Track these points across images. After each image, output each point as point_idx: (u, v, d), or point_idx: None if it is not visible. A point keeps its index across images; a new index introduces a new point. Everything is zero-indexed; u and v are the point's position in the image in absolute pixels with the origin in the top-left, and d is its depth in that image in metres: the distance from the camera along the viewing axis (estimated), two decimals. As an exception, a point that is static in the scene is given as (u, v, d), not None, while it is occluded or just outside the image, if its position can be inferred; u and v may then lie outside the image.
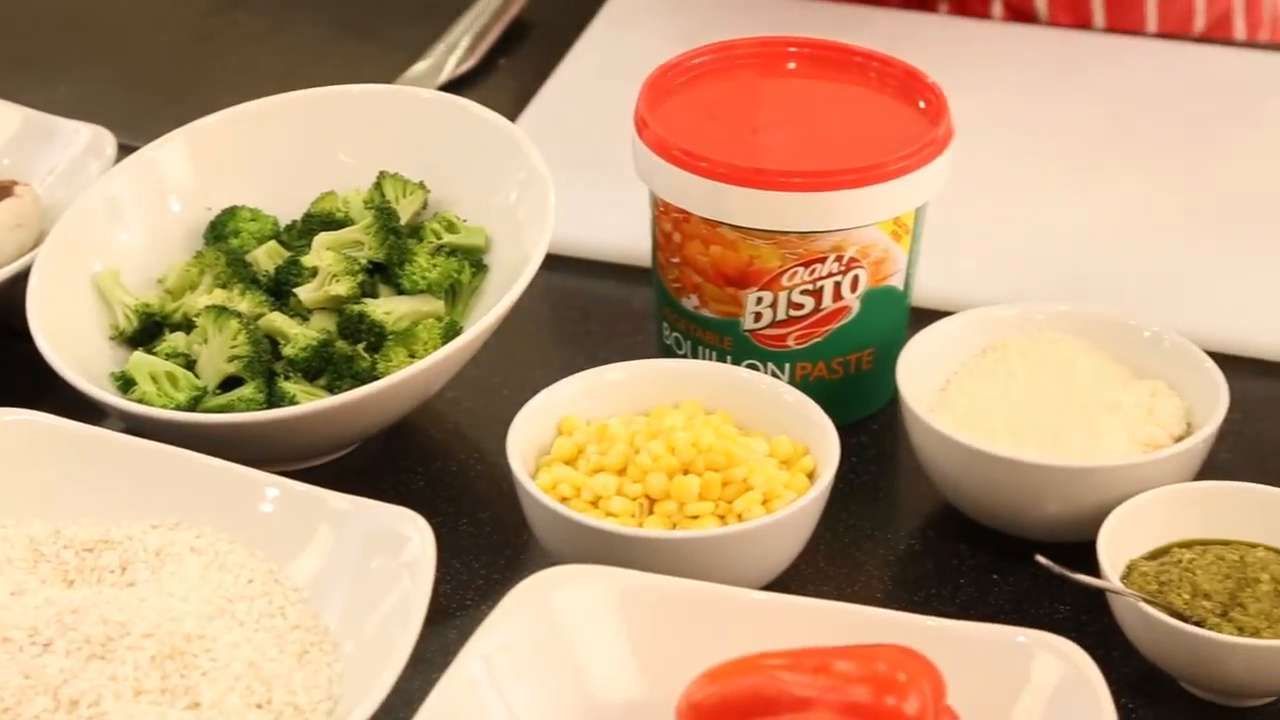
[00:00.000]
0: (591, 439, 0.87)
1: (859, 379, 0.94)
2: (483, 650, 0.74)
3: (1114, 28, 1.19)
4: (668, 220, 0.93)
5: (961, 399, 0.90)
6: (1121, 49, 1.17)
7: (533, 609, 0.76)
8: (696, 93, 0.95)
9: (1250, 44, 1.21)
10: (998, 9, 1.19)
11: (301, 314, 0.93)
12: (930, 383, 0.91)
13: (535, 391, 0.89)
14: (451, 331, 0.92)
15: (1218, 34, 1.20)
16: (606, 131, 1.05)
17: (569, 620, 0.76)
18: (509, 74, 1.19)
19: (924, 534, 0.90)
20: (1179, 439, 0.88)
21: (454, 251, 0.95)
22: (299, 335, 0.91)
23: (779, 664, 0.73)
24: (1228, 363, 0.90)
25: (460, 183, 0.97)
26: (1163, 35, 1.19)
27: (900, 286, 0.94)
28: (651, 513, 0.85)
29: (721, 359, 0.93)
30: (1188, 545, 0.84)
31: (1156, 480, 0.85)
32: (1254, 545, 0.83)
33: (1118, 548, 0.83)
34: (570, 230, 1.03)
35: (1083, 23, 1.19)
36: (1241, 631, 0.80)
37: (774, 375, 0.93)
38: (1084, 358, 0.91)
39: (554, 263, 1.01)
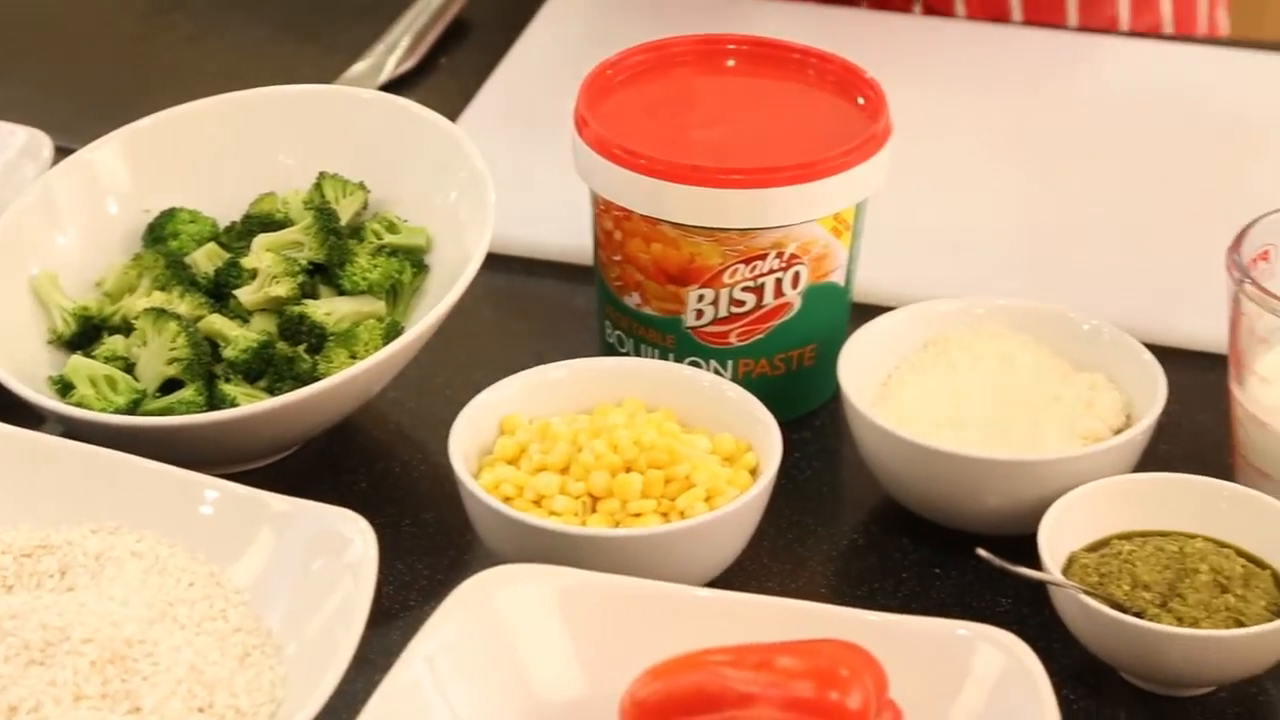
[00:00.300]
0: (534, 438, 0.87)
1: (801, 375, 0.94)
2: (425, 651, 0.74)
3: (1030, 21, 1.19)
4: (609, 218, 0.93)
5: (903, 394, 0.91)
6: (1055, 44, 1.17)
7: (475, 609, 0.76)
8: (636, 91, 0.95)
9: (1181, 38, 1.22)
10: (917, 7, 1.20)
11: (241, 316, 0.93)
12: (872, 378, 0.92)
13: (478, 391, 0.89)
14: (393, 332, 0.91)
15: (1143, 29, 1.20)
16: (547, 130, 1.05)
17: (512, 620, 0.76)
18: (449, 74, 1.19)
19: (867, 529, 0.91)
20: (1118, 431, 0.88)
21: (395, 252, 0.95)
22: (239, 337, 0.91)
23: (722, 660, 0.73)
24: (1166, 355, 0.91)
25: (401, 183, 0.96)
26: (1084, 29, 1.19)
27: (841, 282, 0.94)
28: (594, 511, 0.85)
29: (664, 357, 0.93)
30: (1127, 537, 0.84)
31: (1096, 473, 0.85)
32: (1192, 536, 0.84)
33: (1058, 540, 0.83)
34: (512, 229, 1.03)
35: (1000, 19, 1.19)
36: (1181, 622, 0.80)
37: (716, 372, 0.93)
38: (1024, 352, 0.92)
39: (496, 262, 1.01)
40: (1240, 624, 0.80)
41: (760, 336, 0.93)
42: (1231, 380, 0.88)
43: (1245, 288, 0.85)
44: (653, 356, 0.94)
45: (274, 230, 0.95)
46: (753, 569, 0.88)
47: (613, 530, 0.83)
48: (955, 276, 1.01)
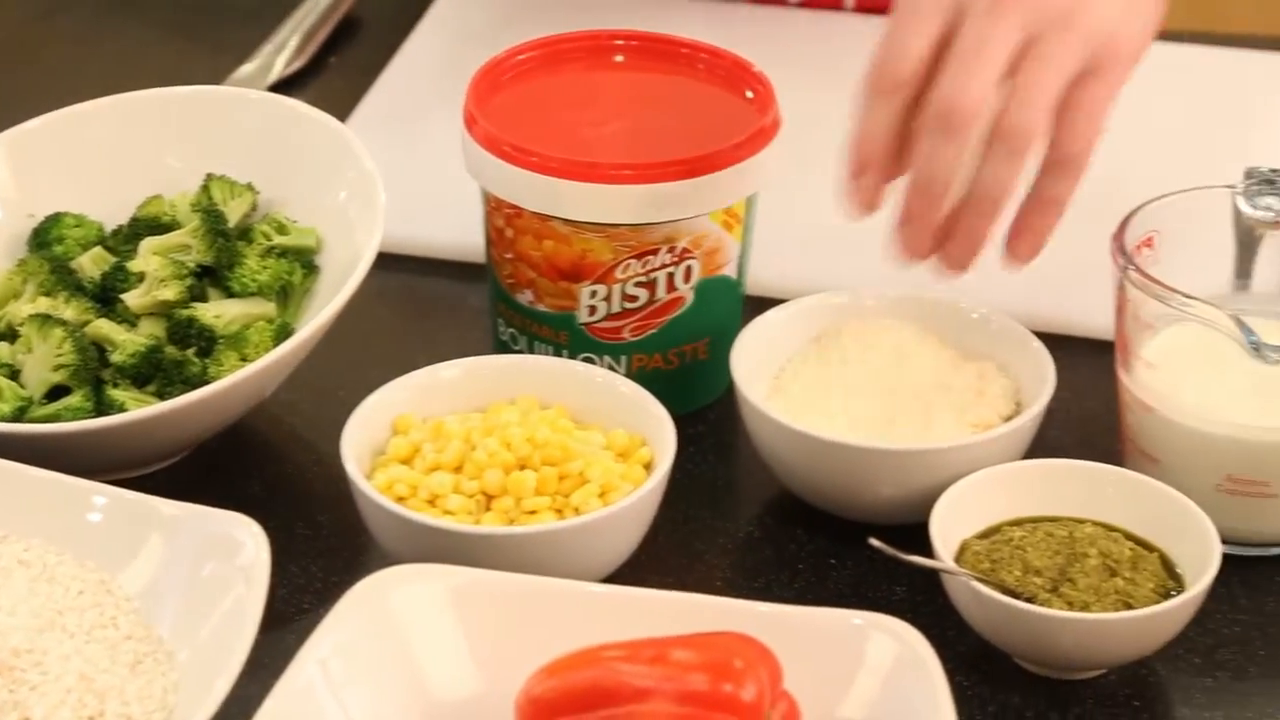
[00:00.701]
0: (427, 437, 0.87)
1: (695, 369, 0.95)
2: (318, 654, 0.74)
3: None
4: (500, 216, 0.93)
5: (796, 386, 0.91)
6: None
7: (369, 610, 0.76)
8: (525, 88, 0.95)
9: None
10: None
11: (129, 320, 0.92)
12: (765, 371, 0.92)
13: (371, 391, 0.88)
14: (283, 333, 0.91)
15: None
16: (438, 128, 1.04)
17: (405, 620, 0.76)
18: (339, 73, 1.18)
19: (762, 521, 0.91)
20: (1008, 419, 0.89)
21: (284, 253, 0.94)
22: (127, 342, 0.90)
23: (617, 655, 0.74)
24: (1055, 342, 0.92)
25: (289, 184, 0.96)
26: None
27: (733, 276, 0.94)
28: (489, 509, 0.85)
29: (558, 353, 0.93)
30: (1018, 523, 0.85)
31: (986, 460, 0.86)
32: (1082, 521, 0.85)
33: (950, 528, 0.84)
34: (404, 228, 1.03)
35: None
36: (1071, 606, 0.81)
37: (610, 368, 0.93)
38: (914, 342, 0.92)
39: (388, 262, 1.01)
40: (1129, 607, 0.81)
41: (653, 331, 0.93)
42: (1119, 366, 0.89)
43: (1129, 275, 0.86)
44: (546, 353, 0.94)
45: (161, 233, 0.94)
46: (649, 564, 0.88)
47: (507, 528, 0.83)
48: (847, 268, 1.01)
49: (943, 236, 0.80)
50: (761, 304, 0.95)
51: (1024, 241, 0.81)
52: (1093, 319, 0.96)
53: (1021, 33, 0.79)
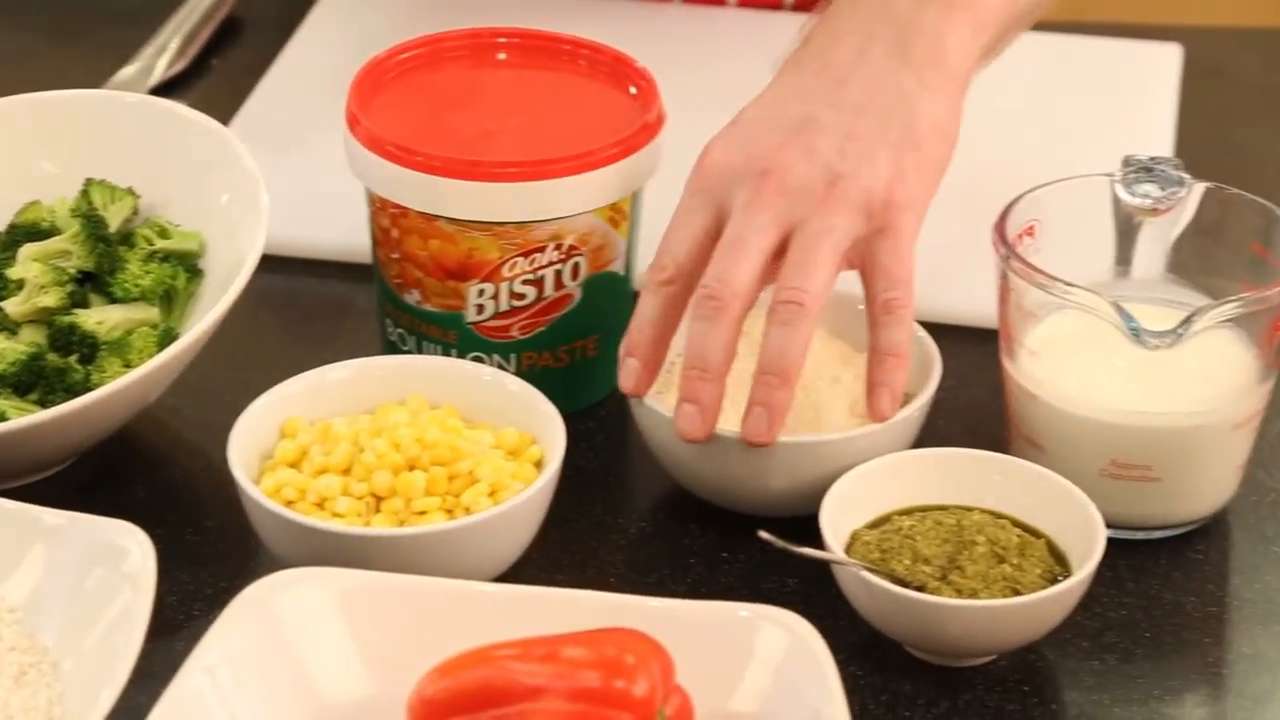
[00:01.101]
0: (315, 440, 0.87)
1: (585, 366, 0.95)
2: (206, 662, 0.73)
3: (800, 8, 1.20)
4: (385, 216, 0.93)
5: (685, 381, 0.91)
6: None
7: (256, 616, 0.75)
8: (407, 87, 0.95)
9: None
10: None
11: (9, 328, 0.91)
12: (655, 366, 0.92)
13: (259, 395, 0.88)
14: (167, 339, 0.90)
15: None
16: (322, 129, 1.04)
17: (294, 625, 0.75)
18: (222, 75, 1.17)
19: (655, 516, 0.91)
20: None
21: (167, 257, 0.93)
22: (7, 350, 0.89)
23: (509, 654, 0.73)
24: (941, 332, 0.93)
25: (171, 187, 0.95)
26: None
27: (621, 272, 0.94)
28: (379, 511, 0.85)
29: (447, 353, 0.93)
30: (908, 513, 0.86)
31: (876, 451, 0.87)
32: (970, 509, 0.85)
33: (840, 519, 0.84)
34: (289, 230, 1.02)
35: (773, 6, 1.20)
36: (960, 594, 0.82)
37: (500, 366, 0.93)
38: (802, 334, 0.93)
39: (275, 264, 1.00)
40: (1017, 593, 0.82)
41: (542, 329, 0.93)
42: (1003, 354, 0.90)
43: (1011, 264, 0.87)
44: (435, 353, 0.93)
45: (40, 239, 0.93)
46: (542, 561, 0.88)
47: (397, 529, 0.83)
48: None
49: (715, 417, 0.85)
50: (650, 299, 0.95)
51: (881, 398, 0.86)
52: (977, 308, 0.97)
53: (782, 221, 0.85)
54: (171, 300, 0.93)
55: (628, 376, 0.87)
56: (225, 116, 1.10)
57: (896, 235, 0.86)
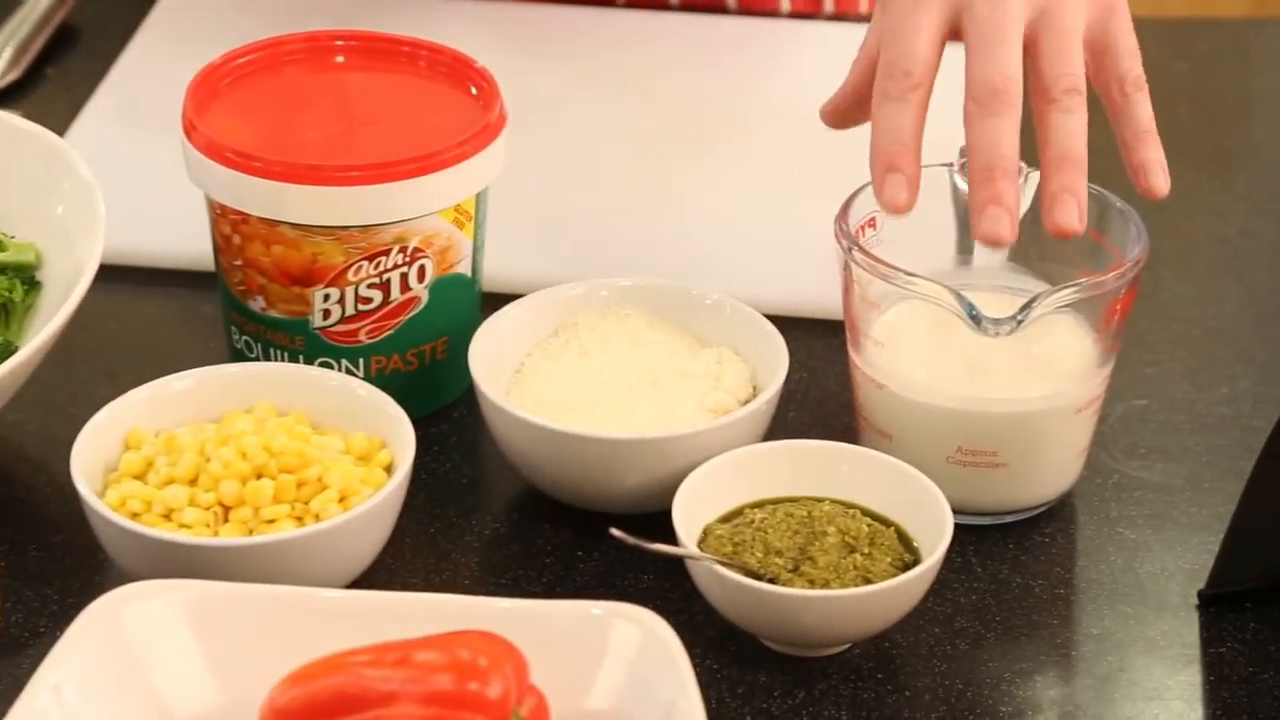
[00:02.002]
0: (160, 451, 0.85)
1: (435, 368, 0.94)
2: (51, 681, 0.72)
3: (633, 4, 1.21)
4: (226, 223, 0.92)
5: (536, 380, 0.91)
6: (690, 27, 1.19)
7: (102, 632, 0.74)
8: (245, 92, 0.94)
9: (803, 15, 1.24)
10: None
11: None
12: (505, 366, 0.92)
13: (103, 407, 0.86)
14: (5, 352, 0.89)
15: (848, 10, 1.22)
16: (162, 136, 1.02)
17: (141, 639, 0.74)
18: (58, 83, 1.15)
19: (509, 517, 0.91)
20: (746, 403, 0.90)
21: (3, 270, 0.92)
22: None
23: (361, 661, 0.73)
24: (788, 324, 0.93)
25: (4, 199, 0.93)
26: (741, 11, 1.21)
27: (468, 273, 0.94)
28: (227, 521, 0.84)
29: (294, 359, 0.92)
30: (759, 505, 0.86)
31: (727, 444, 0.87)
32: (820, 500, 0.86)
33: (693, 513, 0.85)
34: (130, 239, 1.01)
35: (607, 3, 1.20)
36: (812, 585, 0.82)
37: (349, 372, 0.92)
38: (651, 330, 0.93)
39: (116, 274, 0.99)
40: (869, 582, 0.82)
41: (390, 333, 0.92)
42: (849, 345, 0.91)
43: (854, 255, 0.88)
44: (283, 360, 0.92)
45: None
46: (396, 566, 0.87)
47: (245, 539, 0.82)
48: (583, 261, 1.02)
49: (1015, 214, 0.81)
50: (499, 300, 0.95)
51: (1154, 175, 0.84)
52: (825, 300, 0.98)
53: (1026, 10, 0.83)
54: (9, 313, 0.91)
55: (897, 190, 0.82)
56: (62, 126, 1.09)
57: (1124, 12, 0.85)
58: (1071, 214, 0.81)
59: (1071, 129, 0.82)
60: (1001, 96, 0.81)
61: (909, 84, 0.83)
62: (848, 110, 0.88)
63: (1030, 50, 0.84)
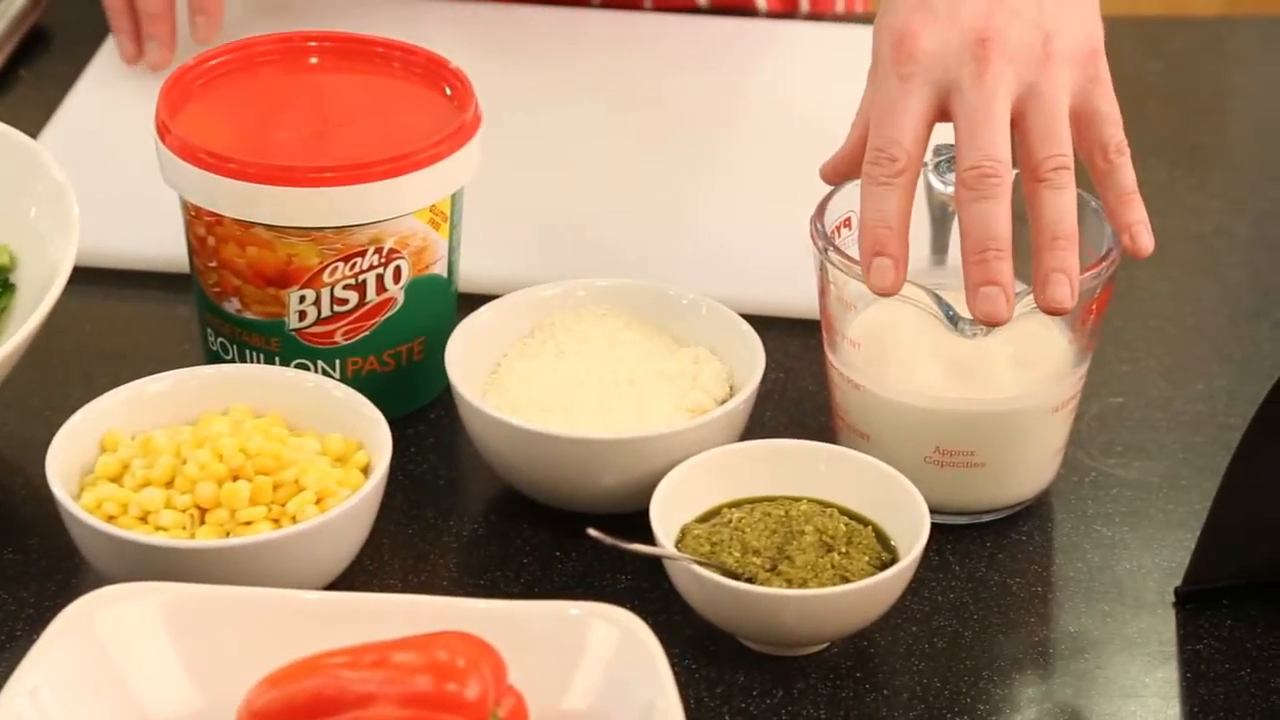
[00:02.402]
0: (136, 453, 0.85)
1: (412, 369, 0.94)
2: (27, 685, 0.72)
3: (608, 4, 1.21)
4: (200, 225, 0.91)
5: (512, 381, 0.91)
6: (666, 28, 1.19)
7: (78, 635, 0.74)
8: (219, 94, 0.94)
9: (781, 15, 1.24)
10: None
11: None
12: (481, 367, 0.92)
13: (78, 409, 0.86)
14: (-20, 355, 0.88)
15: (824, 9, 1.22)
16: (136, 138, 1.02)
17: (117, 642, 0.74)
18: (31, 85, 1.15)
19: (487, 518, 0.91)
20: (723, 402, 0.90)
21: (-24, 273, 0.92)
22: None
23: (339, 662, 0.73)
24: (765, 324, 0.93)
25: (-24, 201, 0.93)
26: (717, 10, 1.21)
27: (444, 274, 0.94)
28: (204, 523, 0.84)
29: (270, 361, 0.92)
30: (737, 505, 0.86)
31: (704, 444, 0.87)
32: (798, 499, 0.86)
33: (670, 513, 0.85)
34: (105, 241, 1.01)
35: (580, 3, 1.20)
36: (790, 584, 0.82)
37: (325, 373, 0.92)
38: (628, 330, 0.93)
39: (91, 276, 0.99)
40: (846, 581, 0.82)
41: (366, 334, 0.92)
42: (826, 346, 0.91)
43: (830, 256, 0.88)
44: (259, 361, 0.92)
45: None
46: (374, 568, 0.87)
47: (222, 541, 0.82)
48: (559, 261, 1.02)
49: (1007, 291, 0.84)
50: (476, 301, 0.95)
51: (1140, 237, 0.86)
52: (801, 300, 0.98)
53: (1013, 86, 0.85)
54: (-17, 316, 0.91)
55: (884, 274, 0.83)
56: (35, 128, 1.08)
57: (1105, 81, 0.86)
58: (1064, 293, 0.83)
59: (1062, 208, 0.84)
60: (990, 180, 0.83)
61: (894, 169, 0.84)
62: (847, 171, 0.90)
63: (1018, 125, 0.85)
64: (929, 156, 0.89)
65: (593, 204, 1.07)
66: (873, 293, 0.84)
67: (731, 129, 1.12)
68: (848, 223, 0.90)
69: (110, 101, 1.11)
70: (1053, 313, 0.84)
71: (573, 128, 1.11)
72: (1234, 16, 1.79)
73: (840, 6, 1.23)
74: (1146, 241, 0.86)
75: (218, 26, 1.09)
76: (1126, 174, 0.86)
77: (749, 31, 1.19)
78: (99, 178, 1.03)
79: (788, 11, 1.22)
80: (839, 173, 0.91)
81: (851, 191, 0.90)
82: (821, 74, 1.14)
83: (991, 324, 0.83)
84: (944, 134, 0.87)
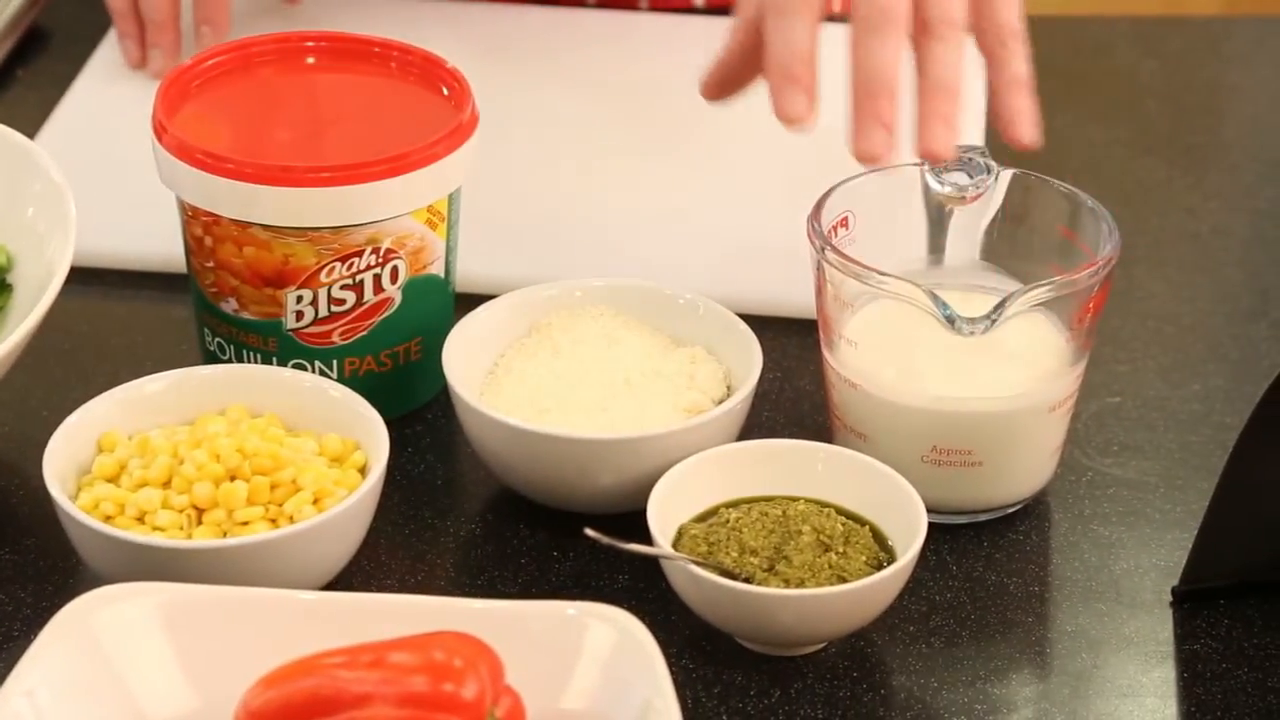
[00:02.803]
0: (133, 453, 0.85)
1: (409, 369, 0.94)
2: (25, 686, 0.72)
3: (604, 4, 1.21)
4: (198, 225, 0.91)
5: (509, 381, 0.91)
6: (662, 27, 1.19)
7: (75, 635, 0.74)
8: (216, 94, 0.94)
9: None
10: None
11: None
12: (478, 367, 0.92)
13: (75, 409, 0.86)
14: (-23, 355, 0.88)
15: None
16: (133, 138, 1.02)
17: (114, 642, 0.74)
18: (29, 86, 1.15)
19: (484, 518, 0.91)
20: (720, 402, 0.90)
21: (-26, 272, 0.92)
22: None
23: (336, 662, 0.73)
24: (762, 323, 0.93)
25: (-26, 202, 0.93)
26: (713, 10, 1.21)
27: (441, 274, 0.94)
28: (201, 523, 0.84)
29: (267, 361, 0.92)
30: (734, 504, 0.86)
31: (701, 444, 0.87)
32: (795, 499, 0.86)
33: (667, 513, 0.85)
34: (103, 241, 1.01)
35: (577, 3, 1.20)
36: (787, 584, 0.82)
37: (322, 373, 0.92)
38: (625, 330, 0.93)
39: (88, 276, 0.99)
40: (844, 581, 0.82)
41: (363, 334, 0.92)
42: (823, 345, 0.91)
43: (827, 255, 0.88)
44: (256, 361, 0.92)
45: None
46: (371, 568, 0.87)
47: (219, 541, 0.82)
48: (556, 261, 1.02)
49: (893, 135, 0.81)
50: (473, 301, 0.95)
51: (1020, 125, 0.83)
52: (798, 299, 0.98)
53: None
54: (-20, 316, 0.91)
55: (797, 102, 0.83)
56: (32, 128, 1.08)
57: None
58: (940, 138, 0.80)
59: (948, 59, 0.81)
60: (888, 15, 0.81)
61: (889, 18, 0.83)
62: (733, 79, 0.87)
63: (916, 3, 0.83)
64: None
65: (590, 204, 1.07)
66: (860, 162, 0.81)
67: (730, 128, 1.11)
68: (844, 221, 0.90)
69: (108, 101, 1.11)
70: (929, 159, 0.81)
71: (570, 127, 1.11)
72: (1231, 16, 1.79)
73: (837, 6, 1.23)
74: (1027, 131, 0.83)
75: (223, 37, 1.07)
76: (1017, 60, 0.83)
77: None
78: (96, 178, 1.03)
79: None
80: (724, 85, 0.88)
81: (848, 190, 0.90)
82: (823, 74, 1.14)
83: (870, 162, 0.80)
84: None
